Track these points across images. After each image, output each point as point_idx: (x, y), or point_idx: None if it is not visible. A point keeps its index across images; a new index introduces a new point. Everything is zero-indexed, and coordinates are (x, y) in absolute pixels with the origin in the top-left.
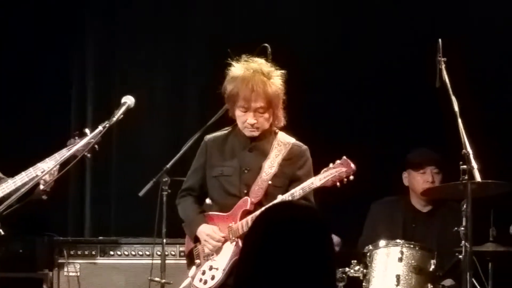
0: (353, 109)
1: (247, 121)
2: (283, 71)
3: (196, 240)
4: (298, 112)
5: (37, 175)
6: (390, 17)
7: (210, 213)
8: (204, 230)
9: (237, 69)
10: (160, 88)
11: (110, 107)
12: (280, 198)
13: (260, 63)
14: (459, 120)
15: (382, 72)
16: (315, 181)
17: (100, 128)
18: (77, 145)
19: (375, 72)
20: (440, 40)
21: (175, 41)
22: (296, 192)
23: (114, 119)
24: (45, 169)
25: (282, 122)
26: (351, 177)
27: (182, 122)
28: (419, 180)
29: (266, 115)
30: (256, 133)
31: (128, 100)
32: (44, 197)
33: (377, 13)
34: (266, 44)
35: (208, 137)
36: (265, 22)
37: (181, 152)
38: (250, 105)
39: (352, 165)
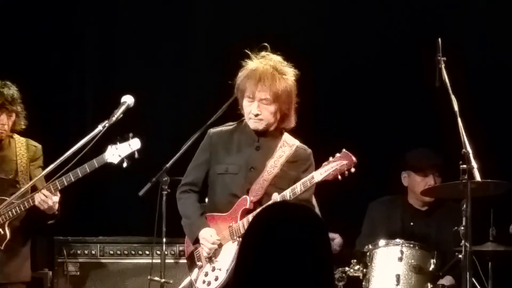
0: (351, 108)
1: (251, 111)
2: (297, 71)
3: (196, 242)
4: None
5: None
6: (391, 16)
7: (211, 214)
8: (202, 234)
9: (253, 63)
10: (160, 87)
11: (110, 107)
12: (275, 196)
13: (276, 60)
14: (459, 120)
15: (381, 71)
16: (316, 175)
17: (100, 127)
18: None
19: (374, 71)
20: (439, 39)
21: (175, 40)
22: (297, 187)
23: (114, 118)
24: (42, 198)
25: (292, 123)
26: (353, 170)
27: (182, 121)
28: (420, 183)
29: (272, 108)
30: (260, 126)
31: (128, 100)
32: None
33: (377, 11)
34: (266, 44)
35: (213, 131)
36: (263, 21)
37: (181, 151)
38: (255, 95)
39: (353, 158)
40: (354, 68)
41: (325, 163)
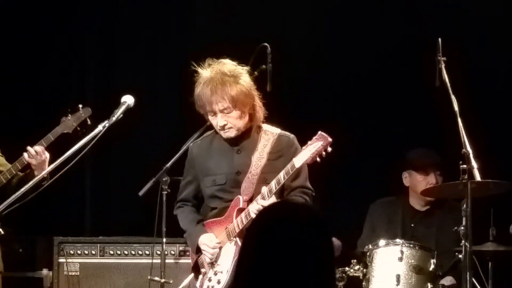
0: (351, 108)
1: (218, 124)
2: (247, 67)
3: (198, 250)
4: (296, 111)
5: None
6: (391, 15)
7: (208, 221)
8: (202, 240)
9: (202, 76)
10: (160, 87)
11: (110, 107)
12: (263, 189)
13: (223, 64)
14: (459, 120)
15: (380, 71)
16: (296, 162)
17: (99, 127)
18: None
19: (373, 71)
20: (439, 39)
21: (175, 40)
22: (281, 176)
23: (114, 118)
24: (33, 153)
25: (261, 118)
26: (329, 149)
27: (182, 121)
28: (422, 182)
29: (235, 114)
30: (231, 134)
31: (128, 100)
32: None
33: (378, 11)
34: (266, 44)
35: (192, 145)
36: (263, 22)
37: (181, 151)
38: (213, 108)
39: (329, 138)
40: (354, 68)
41: (304, 147)
